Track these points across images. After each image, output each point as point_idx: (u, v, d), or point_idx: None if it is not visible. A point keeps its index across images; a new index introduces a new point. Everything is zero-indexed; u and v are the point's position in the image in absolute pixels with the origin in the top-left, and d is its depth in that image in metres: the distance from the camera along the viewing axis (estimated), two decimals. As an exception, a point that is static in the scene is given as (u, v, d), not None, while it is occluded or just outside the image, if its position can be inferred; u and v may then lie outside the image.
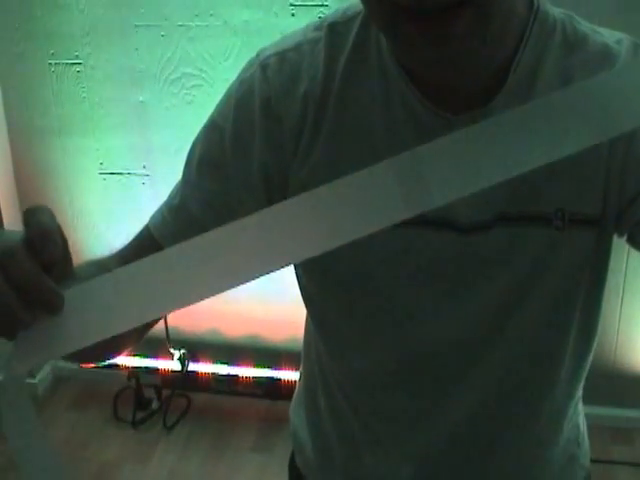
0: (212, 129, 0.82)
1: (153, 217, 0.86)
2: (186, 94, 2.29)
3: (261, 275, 0.56)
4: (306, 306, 0.92)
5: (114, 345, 0.83)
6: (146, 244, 0.84)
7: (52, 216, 0.59)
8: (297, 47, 0.79)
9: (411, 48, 0.67)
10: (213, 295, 0.57)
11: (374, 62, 0.77)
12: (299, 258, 0.57)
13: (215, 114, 0.83)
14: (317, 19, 0.83)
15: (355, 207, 0.57)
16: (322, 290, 0.87)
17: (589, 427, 1.02)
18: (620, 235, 0.79)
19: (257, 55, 0.82)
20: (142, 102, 2.33)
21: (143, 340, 0.85)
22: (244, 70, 0.82)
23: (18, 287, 0.56)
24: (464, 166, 0.57)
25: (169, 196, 0.85)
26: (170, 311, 0.58)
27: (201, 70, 2.25)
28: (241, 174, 0.80)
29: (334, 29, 0.79)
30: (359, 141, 0.77)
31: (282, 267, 0.57)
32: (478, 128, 0.58)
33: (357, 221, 0.57)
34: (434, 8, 0.61)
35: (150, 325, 0.82)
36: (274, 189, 0.81)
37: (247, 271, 0.57)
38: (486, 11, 0.64)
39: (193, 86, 2.27)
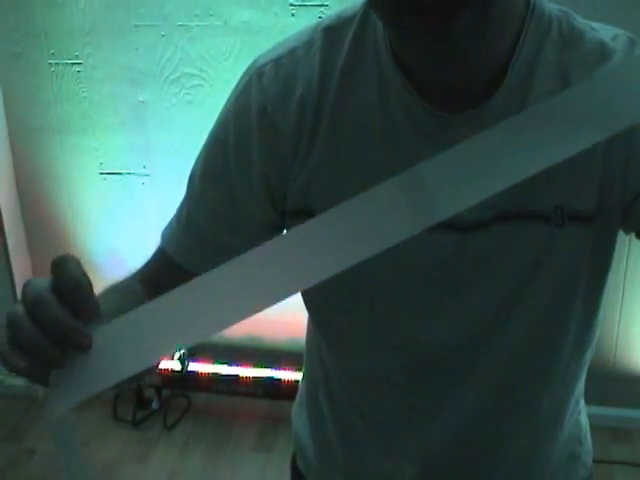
0: (213, 143, 0.83)
1: (164, 234, 0.88)
2: (186, 94, 2.29)
3: (281, 299, 0.58)
4: (307, 308, 0.92)
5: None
6: (162, 262, 0.88)
7: (79, 265, 0.60)
8: (291, 52, 0.80)
9: (411, 41, 0.68)
10: (233, 324, 0.58)
11: (371, 64, 0.77)
12: (312, 282, 0.59)
13: (215, 128, 0.84)
14: (317, 19, 0.83)
15: (364, 227, 0.59)
16: (322, 291, 0.87)
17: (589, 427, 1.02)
18: (628, 232, 0.79)
19: (253, 63, 0.82)
20: (142, 102, 2.33)
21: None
22: (241, 80, 0.83)
23: (47, 330, 0.58)
24: (468, 176, 0.58)
25: (176, 213, 0.87)
26: (194, 342, 0.59)
27: (201, 70, 2.25)
28: (244, 182, 0.81)
29: (330, 32, 0.80)
30: (357, 142, 0.78)
31: (298, 291, 0.59)
32: (479, 139, 0.59)
33: (367, 241, 0.58)
34: (434, 6, 0.62)
35: None
36: (276, 195, 0.82)
37: (268, 296, 0.58)
38: (486, 12, 0.65)
39: (193, 86, 2.27)
